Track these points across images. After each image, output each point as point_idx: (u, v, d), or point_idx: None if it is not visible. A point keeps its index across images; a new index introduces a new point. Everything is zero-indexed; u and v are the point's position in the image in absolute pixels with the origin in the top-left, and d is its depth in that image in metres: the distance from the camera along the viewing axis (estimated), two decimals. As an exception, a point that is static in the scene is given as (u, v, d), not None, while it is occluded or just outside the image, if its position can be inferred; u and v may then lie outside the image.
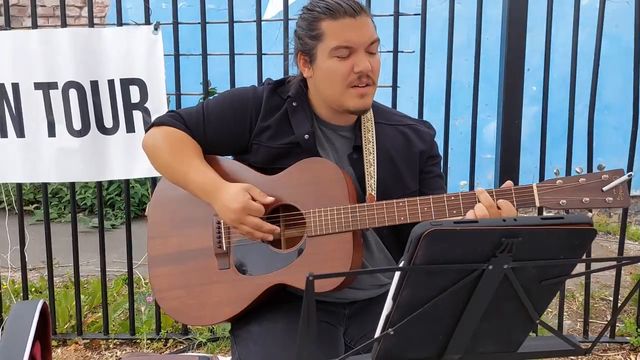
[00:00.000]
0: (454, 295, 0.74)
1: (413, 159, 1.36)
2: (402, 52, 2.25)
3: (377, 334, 0.77)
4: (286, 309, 1.28)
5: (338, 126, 1.36)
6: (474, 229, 0.65)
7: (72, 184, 2.37)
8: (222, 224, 1.30)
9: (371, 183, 1.30)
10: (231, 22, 2.23)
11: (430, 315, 0.77)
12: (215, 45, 2.32)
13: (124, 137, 2.25)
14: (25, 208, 4.41)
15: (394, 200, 1.20)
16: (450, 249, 0.68)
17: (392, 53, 2.21)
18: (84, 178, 2.35)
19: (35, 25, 2.20)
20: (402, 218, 1.19)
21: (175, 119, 1.34)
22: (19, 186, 2.35)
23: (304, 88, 1.36)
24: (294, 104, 1.34)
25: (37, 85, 2.18)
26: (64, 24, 2.21)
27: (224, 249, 1.29)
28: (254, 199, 1.23)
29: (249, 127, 1.32)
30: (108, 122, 2.24)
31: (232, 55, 2.26)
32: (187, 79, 2.48)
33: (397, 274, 0.73)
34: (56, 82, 2.18)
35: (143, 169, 2.27)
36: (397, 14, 2.21)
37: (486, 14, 2.31)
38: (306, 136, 1.30)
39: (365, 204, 1.22)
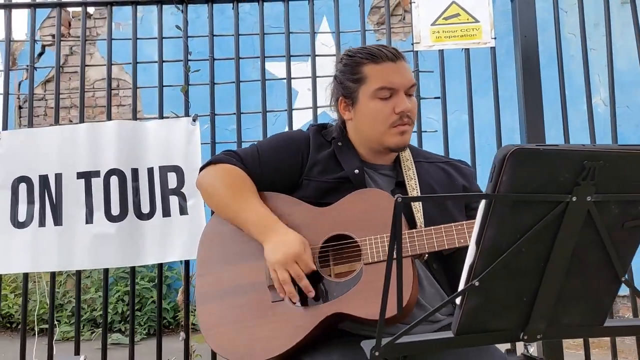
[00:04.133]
0: (537, 239, 0.73)
1: (457, 193, 1.38)
2: (426, 131, 2.38)
3: (461, 286, 0.74)
4: (340, 344, 1.22)
5: (379, 165, 1.40)
6: (556, 150, 0.67)
7: (105, 301, 2.36)
8: None
9: (419, 216, 1.31)
10: (264, 111, 2.40)
11: (514, 267, 0.75)
12: (249, 132, 2.46)
13: (159, 222, 2.29)
14: (43, 327, 4.31)
15: (452, 224, 1.20)
16: (534, 175, 0.69)
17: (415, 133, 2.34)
18: (118, 263, 2.35)
19: (82, 120, 2.37)
20: (462, 240, 1.18)
21: (231, 156, 1.39)
22: (52, 302, 2.35)
23: (344, 131, 1.44)
24: (339, 143, 1.40)
25: (80, 175, 2.28)
26: (109, 117, 2.37)
27: (278, 280, 1.26)
28: None
29: (301, 163, 1.37)
30: (145, 208, 2.30)
31: (264, 142, 2.39)
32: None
33: (480, 219, 0.72)
34: (99, 171, 2.27)
35: (175, 253, 2.28)
36: (419, 97, 2.37)
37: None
38: (356, 171, 1.34)
39: (422, 228, 1.22)
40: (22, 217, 2.26)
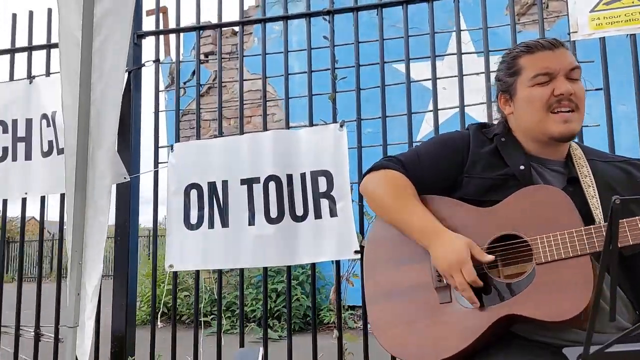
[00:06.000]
0: None
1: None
2: (587, 126, 2.22)
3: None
4: (516, 348, 1.19)
5: (548, 160, 1.35)
6: None
7: (265, 298, 2.54)
8: None
9: (597, 213, 1.24)
10: (409, 113, 2.42)
11: None
12: (394, 134, 2.48)
13: (312, 223, 2.41)
14: (203, 319, 4.75)
15: (637, 217, 1.12)
16: None
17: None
18: (276, 263, 2.51)
19: (242, 131, 2.58)
20: None
21: (392, 162, 1.44)
22: (220, 297, 2.57)
23: (507, 127, 1.41)
24: (502, 139, 1.38)
25: (243, 181, 2.49)
26: (265, 127, 2.56)
27: (445, 282, 1.28)
28: (473, 256, 1.23)
29: (461, 162, 1.37)
30: (299, 210, 2.44)
31: (410, 144, 2.41)
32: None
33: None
34: (259, 177, 2.47)
35: (326, 253, 2.38)
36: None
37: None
38: (522, 167, 1.31)
39: (601, 224, 1.16)
40: (193, 220, 2.52)
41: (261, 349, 1.46)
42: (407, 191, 1.37)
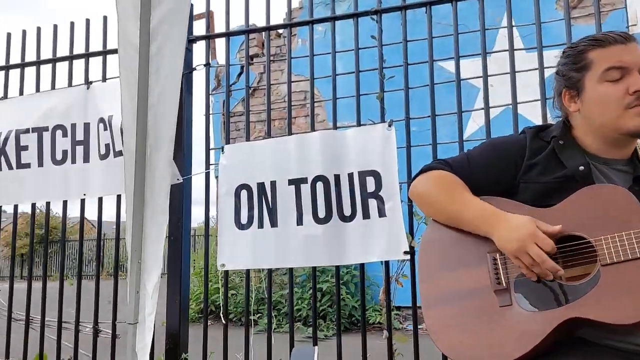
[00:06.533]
0: None
1: None
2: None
3: None
4: (583, 354, 1.16)
5: (612, 160, 1.31)
6: None
7: (314, 298, 2.55)
8: (498, 260, 1.28)
9: None
10: (460, 112, 2.38)
11: None
12: (441, 133, 2.45)
13: (360, 224, 2.41)
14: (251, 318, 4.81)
15: None
16: None
17: None
18: (325, 262, 2.53)
19: (290, 132, 2.61)
20: None
21: (441, 164, 1.43)
22: (270, 296, 2.60)
23: (567, 128, 1.37)
24: (560, 142, 1.34)
25: (291, 182, 2.52)
26: (313, 128, 2.58)
27: (504, 284, 1.25)
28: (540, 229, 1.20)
29: (515, 168, 1.34)
30: (347, 211, 2.45)
31: (460, 143, 2.38)
32: (419, 167, 2.63)
33: None
34: (306, 178, 2.48)
35: (375, 253, 2.38)
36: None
37: None
38: (581, 168, 1.27)
39: None
40: (244, 219, 2.57)
41: (316, 348, 1.48)
42: (459, 187, 1.36)
